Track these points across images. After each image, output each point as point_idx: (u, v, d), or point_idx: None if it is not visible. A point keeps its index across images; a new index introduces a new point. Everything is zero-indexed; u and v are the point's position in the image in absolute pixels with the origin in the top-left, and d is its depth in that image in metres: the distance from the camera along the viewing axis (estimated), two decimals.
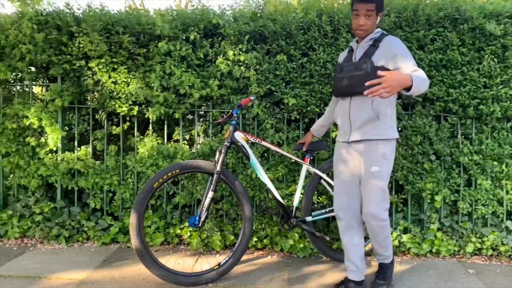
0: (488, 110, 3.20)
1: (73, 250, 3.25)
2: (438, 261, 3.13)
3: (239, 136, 2.80)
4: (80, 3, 4.54)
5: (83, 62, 3.31)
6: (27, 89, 3.66)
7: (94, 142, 3.53)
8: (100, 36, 3.25)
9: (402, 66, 2.19)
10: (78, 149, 3.49)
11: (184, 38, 3.29)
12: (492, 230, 3.24)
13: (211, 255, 3.18)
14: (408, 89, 1.98)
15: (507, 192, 3.28)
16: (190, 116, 3.66)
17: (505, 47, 3.21)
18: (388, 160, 2.31)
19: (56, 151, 3.48)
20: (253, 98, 2.78)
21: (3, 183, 3.60)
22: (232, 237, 3.25)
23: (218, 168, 2.68)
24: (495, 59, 3.19)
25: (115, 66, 3.31)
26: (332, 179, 2.85)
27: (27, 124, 3.39)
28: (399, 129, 3.27)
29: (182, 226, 3.31)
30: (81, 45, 3.26)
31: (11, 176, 3.54)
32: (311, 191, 3.02)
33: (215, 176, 2.68)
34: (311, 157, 2.99)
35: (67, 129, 3.50)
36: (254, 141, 2.86)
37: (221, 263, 2.70)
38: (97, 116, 3.55)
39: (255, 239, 3.24)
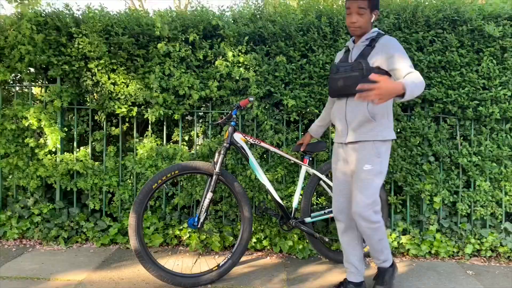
0: (487, 111, 3.20)
1: (72, 251, 3.25)
2: (437, 263, 3.13)
3: (238, 137, 2.80)
4: (79, 4, 4.54)
5: (82, 63, 3.31)
6: (26, 90, 3.66)
7: (93, 143, 3.53)
8: (100, 37, 3.25)
9: (398, 67, 2.15)
10: (77, 150, 3.49)
11: (183, 39, 3.29)
12: (491, 231, 3.25)
13: (210, 256, 3.18)
14: (402, 96, 1.95)
15: (506, 194, 3.29)
16: (189, 117, 3.67)
17: (504, 49, 3.22)
18: (381, 159, 2.26)
19: (55, 152, 3.47)
20: (252, 99, 2.78)
21: (2, 184, 3.59)
22: (231, 238, 3.25)
23: (217, 169, 2.68)
24: (494, 61, 3.19)
25: (115, 67, 3.31)
26: (331, 180, 2.85)
27: (26, 125, 3.39)
28: (398, 130, 3.28)
29: (181, 227, 3.31)
30: (80, 46, 3.26)
31: (10, 177, 3.54)
32: (310, 192, 3.02)
33: (214, 177, 2.68)
34: (310, 158, 2.99)
35: (66, 130, 3.50)
36: (253, 142, 2.86)
37: (220, 264, 2.70)
38: (96, 117, 3.55)
39: (254, 240, 3.24)
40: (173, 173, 2.65)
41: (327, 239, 2.99)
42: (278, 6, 3.45)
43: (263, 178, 2.84)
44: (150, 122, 3.43)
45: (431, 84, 3.23)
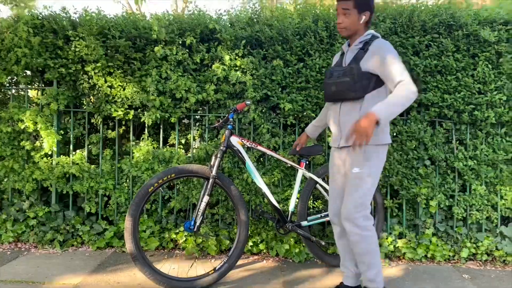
0: (482, 115, 3.22)
1: (67, 255, 3.24)
2: (433, 266, 3.13)
3: (235, 140, 2.80)
4: (76, 7, 4.54)
5: (79, 66, 3.30)
6: (22, 93, 3.65)
7: (89, 146, 3.52)
8: (97, 40, 3.25)
9: (389, 74, 2.13)
10: (74, 153, 3.48)
11: (180, 42, 3.29)
12: (486, 235, 3.26)
13: (206, 259, 3.17)
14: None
15: (501, 198, 3.30)
16: (186, 121, 3.66)
17: (499, 54, 3.24)
18: (371, 163, 2.20)
19: (51, 155, 3.46)
20: (248, 102, 2.78)
21: None
22: (227, 242, 3.24)
23: (213, 172, 2.68)
24: (489, 65, 3.21)
25: (111, 70, 3.31)
26: (328, 184, 2.85)
27: (22, 127, 3.37)
28: (394, 134, 3.29)
29: (177, 231, 3.30)
30: (77, 49, 3.25)
31: (6, 180, 3.52)
32: (307, 196, 3.03)
33: (210, 180, 2.68)
34: (307, 162, 3.00)
35: (63, 133, 3.49)
36: (250, 145, 2.86)
37: (217, 268, 2.69)
38: (92, 120, 3.54)
39: (250, 243, 3.24)
40: (169, 176, 2.65)
41: (323, 243, 2.99)
42: (275, 10, 3.46)
43: (260, 182, 2.84)
44: (146, 125, 3.43)
45: (427, 88, 3.25)
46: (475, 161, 3.25)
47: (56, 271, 2.88)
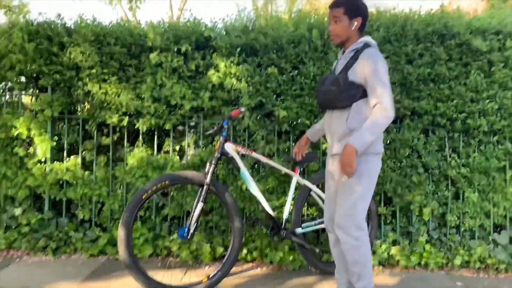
0: (475, 124, 3.25)
1: (60, 262, 3.21)
2: (427, 274, 3.14)
3: (230, 147, 2.81)
4: (71, 14, 4.55)
5: (73, 73, 3.30)
6: (16, 99, 3.63)
7: (83, 153, 3.51)
8: (92, 47, 3.25)
9: (370, 89, 2.13)
10: (67, 159, 3.47)
11: (175, 50, 3.30)
12: (479, 242, 3.27)
13: (200, 267, 3.16)
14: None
15: (494, 205, 3.32)
16: (180, 127, 3.66)
17: (491, 63, 3.28)
18: (360, 172, 2.16)
19: (44, 162, 3.44)
20: (243, 109, 2.79)
21: None
22: (221, 249, 3.23)
23: (208, 179, 2.68)
24: (481, 74, 3.25)
25: (106, 77, 3.31)
26: (322, 191, 2.86)
27: (15, 134, 3.36)
28: (388, 141, 3.30)
29: (171, 238, 3.28)
30: (72, 56, 3.26)
31: None
32: (301, 203, 3.03)
33: (205, 187, 2.68)
34: (301, 169, 3.00)
35: (57, 139, 3.48)
36: (244, 152, 2.87)
37: (210, 276, 2.68)
38: (87, 127, 3.53)
39: (244, 251, 3.23)
40: (163, 183, 2.64)
41: (317, 250, 2.99)
42: (270, 19, 3.49)
43: (254, 189, 2.84)
44: (141, 132, 3.42)
45: (420, 96, 3.28)
46: (468, 169, 3.27)
47: (48, 279, 2.85)
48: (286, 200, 3.02)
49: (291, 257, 3.17)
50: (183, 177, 2.70)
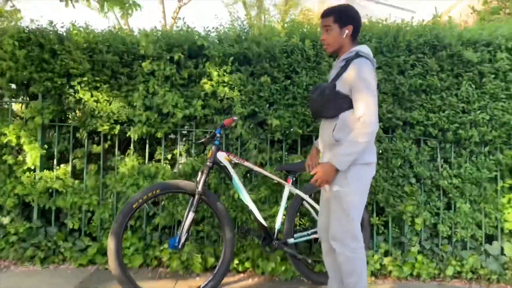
0: (466, 134, 3.27)
1: (48, 272, 3.15)
2: (419, 284, 3.13)
3: (222, 156, 2.79)
4: (64, 22, 4.53)
5: (65, 80, 3.27)
6: (6, 106, 3.59)
7: (74, 161, 3.47)
8: (83, 54, 3.23)
9: (354, 101, 2.14)
10: (57, 167, 3.42)
11: (168, 58, 3.29)
12: (471, 253, 3.27)
13: (191, 277, 3.12)
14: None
15: (486, 216, 3.33)
16: (172, 136, 3.64)
17: (482, 74, 3.30)
18: (349, 182, 2.15)
19: (34, 170, 3.40)
20: (236, 118, 2.78)
21: None
22: (212, 260, 3.19)
23: (199, 188, 2.66)
24: (472, 85, 3.28)
25: (98, 85, 3.28)
26: (315, 201, 2.85)
27: (4, 141, 3.31)
28: (380, 151, 3.31)
29: (162, 248, 3.24)
30: (63, 63, 3.23)
31: None
32: (293, 213, 3.01)
33: (196, 197, 2.65)
34: (294, 178, 2.99)
35: (47, 147, 3.44)
36: (237, 161, 2.85)
37: (201, 286, 2.65)
38: (77, 135, 3.50)
39: (236, 261, 3.20)
40: (154, 192, 2.62)
41: (310, 261, 2.97)
42: (263, 28, 3.49)
43: (246, 198, 2.82)
44: (132, 140, 3.40)
45: (412, 107, 3.29)
46: (459, 179, 3.28)
47: None
48: (278, 210, 3.00)
49: (283, 268, 3.14)
50: (174, 186, 2.68)
